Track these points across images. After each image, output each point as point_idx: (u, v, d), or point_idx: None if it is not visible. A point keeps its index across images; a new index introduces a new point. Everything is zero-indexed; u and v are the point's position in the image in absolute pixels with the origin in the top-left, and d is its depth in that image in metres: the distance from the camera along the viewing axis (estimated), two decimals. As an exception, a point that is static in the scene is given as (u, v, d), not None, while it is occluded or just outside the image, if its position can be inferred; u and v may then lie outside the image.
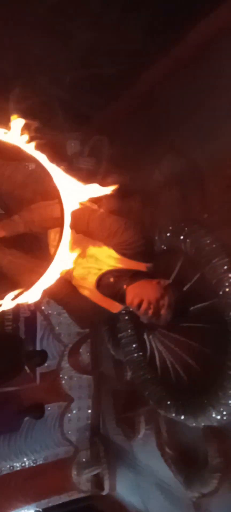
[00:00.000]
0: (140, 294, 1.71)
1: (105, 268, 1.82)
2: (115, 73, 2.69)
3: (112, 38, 2.42)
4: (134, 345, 3.51)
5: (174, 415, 2.98)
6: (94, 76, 2.75)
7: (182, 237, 2.90)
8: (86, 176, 4.12)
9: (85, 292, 1.87)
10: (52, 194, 2.07)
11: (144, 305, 1.70)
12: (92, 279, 1.83)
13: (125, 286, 1.77)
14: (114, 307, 1.88)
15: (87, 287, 1.85)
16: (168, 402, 3.03)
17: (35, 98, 2.90)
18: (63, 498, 4.09)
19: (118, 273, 1.79)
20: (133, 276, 1.78)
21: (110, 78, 2.77)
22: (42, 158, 1.18)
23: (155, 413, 3.24)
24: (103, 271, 1.82)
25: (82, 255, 1.83)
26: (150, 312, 1.71)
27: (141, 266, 1.80)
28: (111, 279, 1.80)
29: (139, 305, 1.71)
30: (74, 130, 3.80)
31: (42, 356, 3.78)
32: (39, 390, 3.99)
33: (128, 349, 3.48)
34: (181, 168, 2.86)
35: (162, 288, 1.73)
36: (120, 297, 1.81)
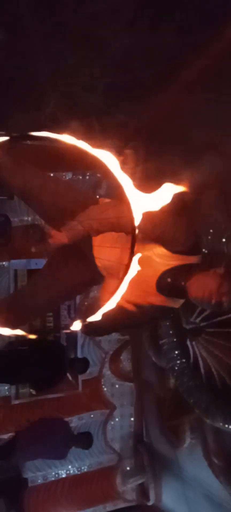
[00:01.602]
0: (200, 286, 1.76)
1: (158, 268, 1.86)
2: (150, 77, 2.66)
3: (147, 42, 2.40)
4: (176, 352, 3.43)
5: (221, 424, 2.88)
6: (129, 81, 2.73)
7: (224, 240, 2.82)
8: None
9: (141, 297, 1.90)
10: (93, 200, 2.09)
11: (207, 296, 1.74)
12: (148, 283, 1.87)
13: (183, 283, 1.81)
14: (176, 303, 1.95)
15: (147, 291, 1.89)
16: (215, 411, 2.93)
17: (70, 108, 2.94)
18: (109, 507, 4.07)
19: (173, 272, 1.84)
20: (189, 271, 1.82)
21: (145, 82, 2.74)
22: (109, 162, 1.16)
23: (201, 422, 3.15)
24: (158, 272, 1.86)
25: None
26: (213, 301, 1.74)
27: (193, 260, 1.85)
28: (169, 279, 1.85)
29: (202, 297, 1.76)
30: (109, 137, 3.80)
31: (85, 363, 3.80)
32: (81, 397, 4.01)
33: (170, 356, 3.41)
34: (222, 167, 2.77)
35: (219, 277, 1.75)
36: (179, 293, 1.86)
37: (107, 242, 1.93)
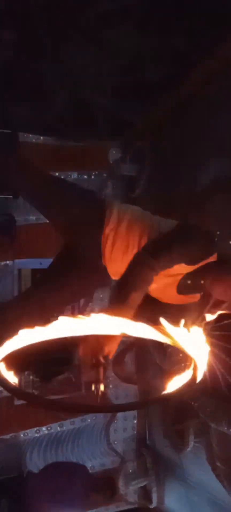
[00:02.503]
0: (220, 284, 1.83)
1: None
2: (159, 78, 2.65)
3: (156, 43, 2.39)
4: (181, 355, 3.41)
5: (225, 428, 2.85)
6: (137, 82, 2.72)
7: (231, 242, 2.79)
8: (129, 183, 4.10)
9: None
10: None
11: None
12: (170, 291, 1.93)
13: (202, 282, 1.86)
14: (196, 298, 1.99)
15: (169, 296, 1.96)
16: (219, 415, 2.91)
17: (78, 108, 2.93)
18: (111, 509, 4.05)
19: (191, 274, 1.89)
20: (206, 270, 1.86)
21: (153, 83, 2.73)
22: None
23: (205, 426, 3.12)
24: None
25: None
26: None
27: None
28: (189, 281, 1.89)
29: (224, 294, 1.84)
30: (116, 137, 3.79)
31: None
32: (85, 399, 3.99)
33: (174, 358, 3.39)
34: (228, 170, 2.75)
35: None
36: (199, 290, 1.92)
37: (119, 253, 1.92)
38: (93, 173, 4.13)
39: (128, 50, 2.45)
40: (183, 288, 1.91)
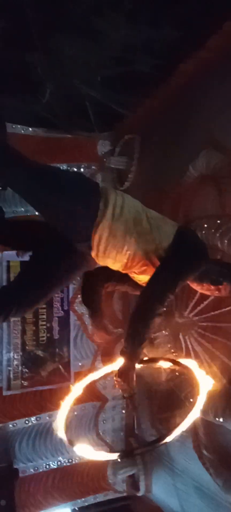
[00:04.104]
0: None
1: None
2: (149, 70, 2.65)
3: (146, 34, 2.39)
4: (169, 345, 3.46)
5: (212, 417, 2.90)
6: (127, 73, 2.72)
7: (218, 235, 2.83)
8: (118, 176, 4.10)
9: None
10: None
11: None
12: None
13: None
14: None
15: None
16: (206, 404, 2.95)
17: (67, 99, 2.92)
18: (99, 497, 4.09)
19: None
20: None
21: (144, 75, 2.74)
22: None
23: (192, 415, 3.17)
24: None
25: None
26: None
27: None
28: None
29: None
30: (105, 129, 3.78)
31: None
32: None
33: (162, 349, 3.43)
34: (217, 162, 2.78)
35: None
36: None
37: (113, 251, 1.94)
38: (82, 165, 4.12)
39: (118, 41, 2.45)
40: None
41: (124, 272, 2.03)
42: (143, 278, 2.02)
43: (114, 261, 1.95)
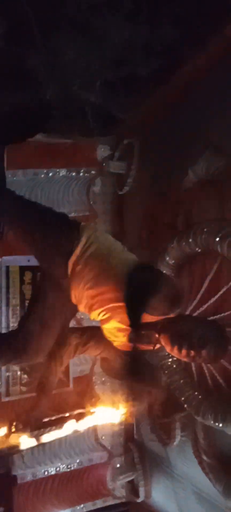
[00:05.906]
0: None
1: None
2: (148, 72, 2.65)
3: (146, 36, 2.39)
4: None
5: (212, 422, 2.89)
6: (127, 76, 2.72)
7: (217, 239, 2.83)
8: (117, 180, 4.10)
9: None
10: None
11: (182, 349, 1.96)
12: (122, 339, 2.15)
13: (156, 336, 2.04)
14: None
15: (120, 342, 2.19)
16: (206, 409, 2.95)
17: (67, 101, 2.91)
18: (98, 503, 4.06)
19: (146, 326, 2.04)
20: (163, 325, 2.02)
21: (143, 78, 2.73)
22: None
23: (192, 420, 3.16)
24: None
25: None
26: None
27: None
28: (142, 332, 2.07)
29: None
30: (105, 133, 3.78)
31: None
32: (72, 395, 3.99)
33: (161, 353, 3.42)
34: (217, 167, 2.78)
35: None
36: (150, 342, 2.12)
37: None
38: (82, 170, 4.13)
39: (117, 43, 2.44)
40: (133, 338, 2.06)
41: (90, 313, 2.17)
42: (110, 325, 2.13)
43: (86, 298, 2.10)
